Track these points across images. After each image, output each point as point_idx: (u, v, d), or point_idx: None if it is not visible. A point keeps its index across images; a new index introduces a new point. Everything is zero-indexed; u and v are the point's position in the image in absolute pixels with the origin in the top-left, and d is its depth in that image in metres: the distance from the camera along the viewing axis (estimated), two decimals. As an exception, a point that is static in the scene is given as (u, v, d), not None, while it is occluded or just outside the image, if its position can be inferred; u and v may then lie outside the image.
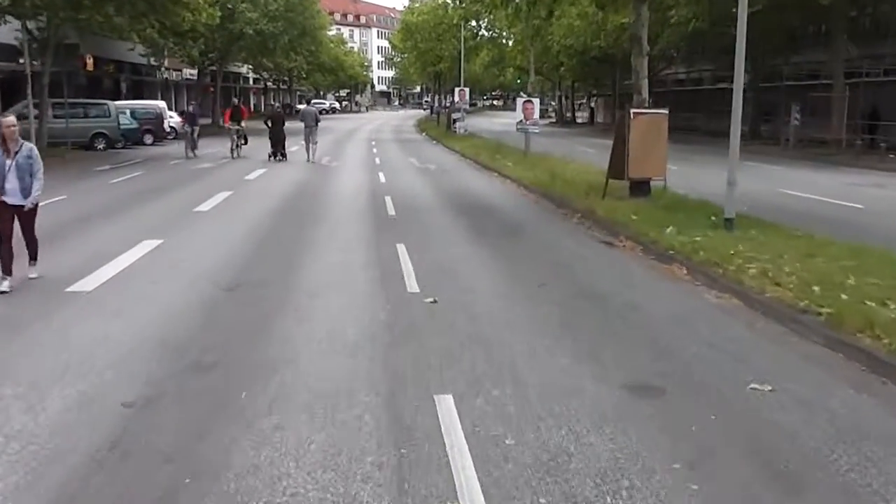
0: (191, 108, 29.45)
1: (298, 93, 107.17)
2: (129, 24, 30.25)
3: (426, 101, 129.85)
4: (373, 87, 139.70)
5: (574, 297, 7.94)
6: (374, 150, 31.78)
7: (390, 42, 52.31)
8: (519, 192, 17.73)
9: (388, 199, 15.62)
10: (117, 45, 43.93)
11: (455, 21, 38.63)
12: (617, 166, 14.30)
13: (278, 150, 25.71)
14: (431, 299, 7.57)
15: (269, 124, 26.85)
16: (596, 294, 8.16)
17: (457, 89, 39.87)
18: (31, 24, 26.36)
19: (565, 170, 19.39)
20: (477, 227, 12.48)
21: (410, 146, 36.47)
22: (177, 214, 13.22)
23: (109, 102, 30.64)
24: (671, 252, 9.79)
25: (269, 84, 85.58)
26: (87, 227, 11.71)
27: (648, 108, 14.76)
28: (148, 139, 34.44)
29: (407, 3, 46.84)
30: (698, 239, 10.00)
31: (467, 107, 41.35)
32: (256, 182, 19.12)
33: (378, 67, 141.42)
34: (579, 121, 73.47)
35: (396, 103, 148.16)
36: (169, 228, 11.70)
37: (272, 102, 79.04)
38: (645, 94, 14.92)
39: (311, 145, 25.43)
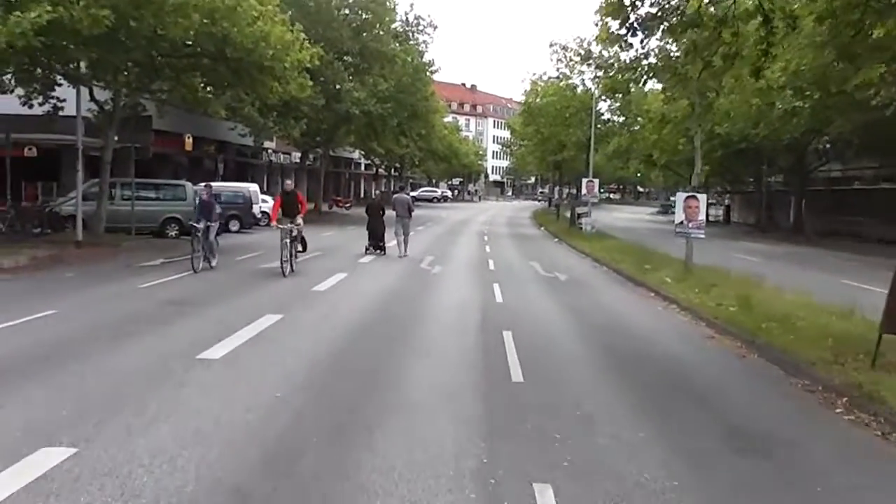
0: (203, 194, 18.11)
1: (411, 180, 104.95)
2: (215, 98, 26.64)
3: (541, 193, 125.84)
4: (486, 176, 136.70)
5: None
6: (487, 249, 26.60)
7: (509, 126, 47.83)
8: (703, 333, 11.87)
9: (507, 337, 10.17)
10: (219, 125, 41.24)
11: (599, 94, 33.52)
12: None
13: (376, 243, 22.66)
14: None
15: (368, 213, 23.45)
16: None
17: (584, 180, 34.55)
18: (100, 95, 22.90)
19: (760, 297, 13.43)
20: (666, 420, 6.86)
21: (529, 244, 31.18)
22: (159, 370, 8.13)
23: (186, 183, 26.86)
24: None
25: (380, 170, 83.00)
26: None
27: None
28: (234, 225, 30.63)
29: (528, 88, 41.62)
30: None
31: (595, 200, 35.89)
32: (323, 299, 13.98)
33: (492, 157, 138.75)
34: (711, 219, 66.57)
35: (510, 193, 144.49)
36: (135, 399, 6.58)
37: (380, 189, 75.94)
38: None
39: (402, 237, 22.49)
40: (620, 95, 34.85)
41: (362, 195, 78.36)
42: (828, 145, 42.73)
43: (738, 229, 50.96)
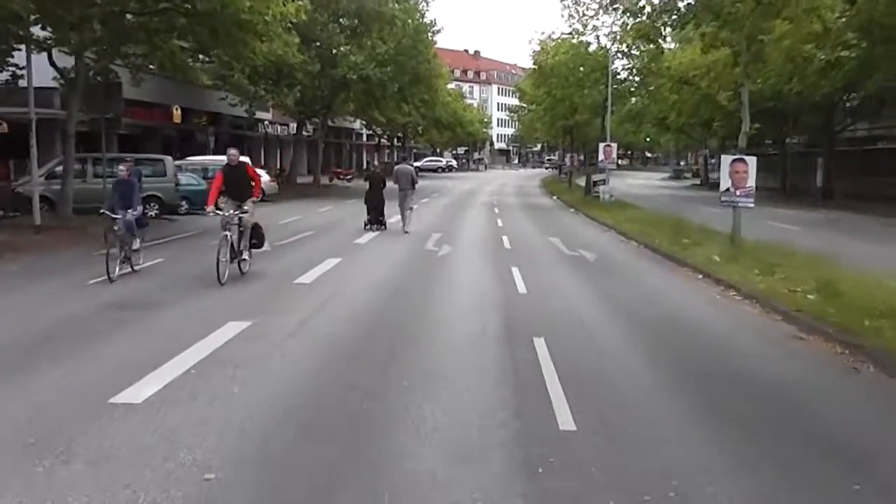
0: (123, 171, 13.06)
1: (414, 150, 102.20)
2: (194, 62, 24.07)
3: (548, 160, 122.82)
4: (492, 144, 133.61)
5: None
6: (500, 223, 24.06)
7: (518, 89, 44.87)
8: (784, 332, 9.34)
9: (541, 350, 7.72)
10: (210, 96, 38.62)
11: (621, 46, 30.74)
12: None
13: (375, 218, 20.89)
14: None
15: (368, 185, 21.57)
16: None
17: (601, 145, 31.88)
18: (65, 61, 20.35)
19: (843, 280, 10.88)
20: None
21: (544, 216, 28.64)
22: (52, 423, 5.72)
23: (166, 158, 24.33)
24: None
25: (382, 140, 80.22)
26: None
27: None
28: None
29: (537, 48, 38.61)
30: None
31: (613, 166, 33.25)
32: (304, 297, 11.50)
33: (497, 125, 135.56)
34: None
35: (515, 162, 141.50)
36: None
37: (382, 160, 73.21)
38: None
39: (406, 212, 20.68)
40: (639, 51, 32.26)
41: (364, 167, 75.64)
42: (856, 103, 39.90)
43: (759, 195, 48.19)
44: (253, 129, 51.62)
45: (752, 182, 15.70)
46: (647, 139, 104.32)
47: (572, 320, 9.68)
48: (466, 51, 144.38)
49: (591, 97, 36.00)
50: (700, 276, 13.51)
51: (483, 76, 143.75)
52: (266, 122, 53.50)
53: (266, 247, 13.76)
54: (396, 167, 23.71)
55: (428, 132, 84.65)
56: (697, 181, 67.60)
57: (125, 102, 33.42)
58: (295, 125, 54.96)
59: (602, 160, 31.53)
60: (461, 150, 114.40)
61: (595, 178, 33.70)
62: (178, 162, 29.77)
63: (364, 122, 71.55)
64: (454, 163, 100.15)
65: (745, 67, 15.44)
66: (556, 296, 11.54)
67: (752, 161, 15.73)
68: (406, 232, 19.77)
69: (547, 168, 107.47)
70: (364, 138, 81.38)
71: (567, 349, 7.90)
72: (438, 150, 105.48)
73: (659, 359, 7.83)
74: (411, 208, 20.99)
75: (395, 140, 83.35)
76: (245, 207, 12.39)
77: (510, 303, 10.79)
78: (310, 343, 8.03)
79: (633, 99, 38.18)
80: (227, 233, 11.81)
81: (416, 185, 21.77)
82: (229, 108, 39.68)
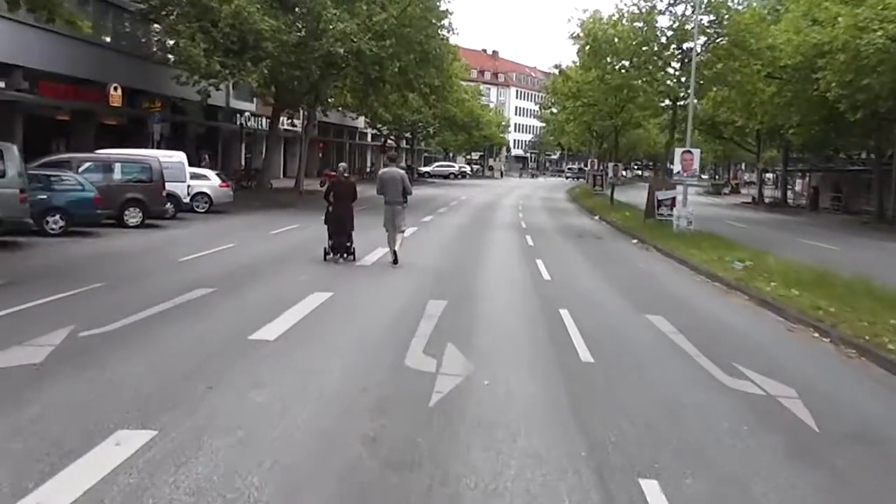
0: None
1: (425, 153, 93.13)
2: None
3: (568, 169, 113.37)
4: (508, 150, 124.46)
5: None
6: (541, 267, 14.90)
7: (559, 72, 35.77)
8: None
9: None
10: (164, 75, 29.82)
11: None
12: None
13: (341, 244, 14.39)
14: None
15: (330, 200, 14.51)
16: None
17: (678, 151, 22.71)
18: None
19: None
20: None
21: (601, 251, 19.56)
22: None
23: (9, 147, 15.20)
24: None
25: (389, 141, 71.27)
26: None
27: None
28: (133, 214, 19.44)
29: (583, 16, 28.91)
30: None
31: (695, 181, 24.26)
32: None
33: (515, 130, 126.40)
34: (767, 200, 54.22)
35: (533, 168, 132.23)
36: None
37: (368, 164, 64.02)
38: None
39: (396, 235, 14.34)
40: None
41: (368, 170, 66.62)
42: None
43: (834, 220, 38.88)
44: (230, 121, 42.85)
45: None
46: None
47: None
48: (484, 50, 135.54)
49: (656, 87, 26.76)
50: None
51: (501, 78, 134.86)
52: (247, 115, 44.62)
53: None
54: (382, 172, 15.74)
55: (440, 133, 75.76)
56: (748, 199, 58.21)
57: (33, 73, 24.76)
58: (281, 118, 46.33)
59: (679, 172, 22.36)
60: (476, 156, 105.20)
61: (660, 195, 24.61)
62: (70, 155, 21.00)
63: (368, 120, 62.76)
64: (468, 168, 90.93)
65: None
66: None
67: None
68: (395, 264, 13.86)
69: (568, 178, 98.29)
70: (368, 138, 72.45)
71: None
72: (451, 154, 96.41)
73: None
74: (403, 231, 14.50)
75: (404, 141, 74.49)
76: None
77: None
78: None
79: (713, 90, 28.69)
80: None
81: (410, 196, 14.69)
82: (198, 96, 30.91)
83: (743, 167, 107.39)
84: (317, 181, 43.69)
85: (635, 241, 22.30)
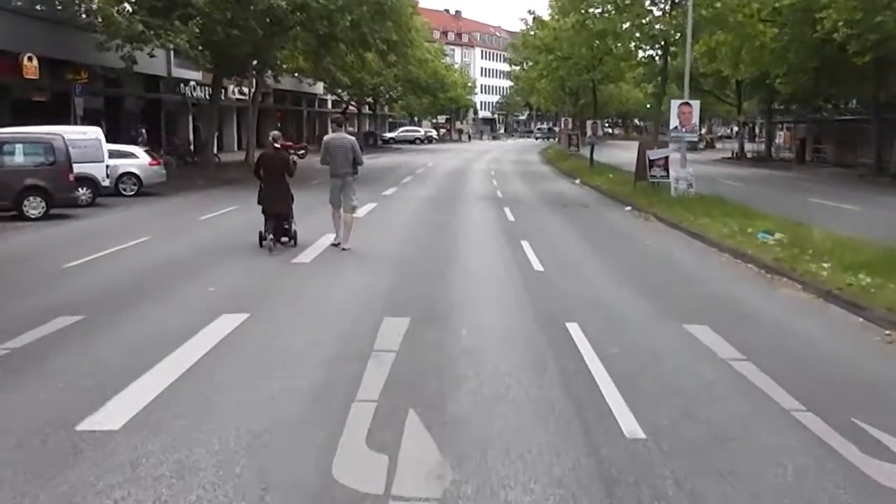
0: None
1: (390, 119, 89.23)
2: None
3: (538, 129, 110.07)
4: (475, 113, 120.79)
5: None
6: (529, 253, 11.88)
7: (536, 19, 32.62)
8: None
9: None
10: (87, 42, 26.10)
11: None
12: None
13: (278, 228, 12.12)
14: None
15: (261, 175, 12.29)
16: None
17: (674, 104, 19.63)
18: None
19: None
20: None
21: (596, 225, 16.52)
22: None
23: None
24: None
25: (349, 107, 67.50)
26: None
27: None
28: (34, 204, 16.16)
29: None
30: None
31: (694, 138, 21.37)
32: None
33: (481, 91, 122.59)
34: (749, 155, 51.61)
35: (501, 131, 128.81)
36: None
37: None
38: None
39: (344, 215, 12.15)
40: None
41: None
42: None
43: (831, 173, 36.24)
44: (174, 92, 39.03)
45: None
46: (648, 106, 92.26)
47: None
48: (447, 10, 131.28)
49: (647, 31, 23.61)
50: None
51: (465, 38, 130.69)
52: (192, 84, 40.74)
53: None
54: (327, 138, 12.69)
55: (404, 97, 72.08)
56: (727, 154, 55.49)
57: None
58: (229, 87, 42.61)
59: (677, 127, 19.31)
60: (442, 119, 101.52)
61: (652, 154, 21.63)
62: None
63: (326, 86, 58.91)
64: (434, 133, 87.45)
65: None
66: None
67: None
68: (344, 249, 11.91)
69: (538, 139, 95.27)
70: (329, 105, 68.56)
71: None
72: (417, 119, 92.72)
73: None
74: (354, 206, 12.31)
75: (367, 106, 70.74)
76: None
77: None
78: None
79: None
80: None
81: (361, 167, 12.55)
82: (141, 66, 27.20)
83: (716, 121, 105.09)
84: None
85: (629, 208, 19.38)
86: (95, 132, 19.88)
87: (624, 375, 5.94)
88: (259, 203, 12.18)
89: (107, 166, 19.57)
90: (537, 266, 10.77)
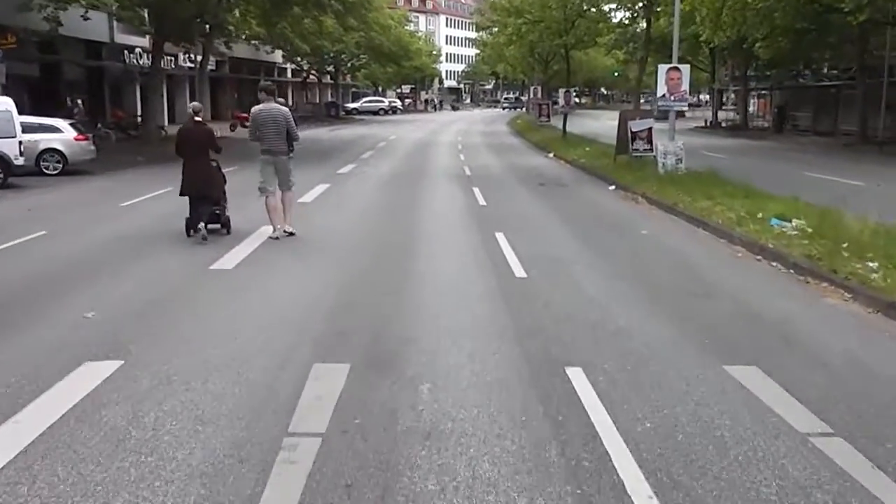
0: None
1: (353, 89, 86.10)
2: None
3: (505, 99, 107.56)
4: (441, 82, 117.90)
5: None
6: (507, 251, 9.74)
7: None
8: None
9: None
10: (13, 2, 23.30)
11: None
12: None
13: (206, 213, 10.24)
14: None
15: (182, 154, 10.59)
16: None
17: (662, 69, 17.49)
18: None
19: None
20: None
21: (586, 210, 14.39)
22: None
23: None
24: None
25: (310, 76, 64.63)
26: None
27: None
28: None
29: None
30: None
31: (685, 107, 19.39)
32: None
33: (447, 60, 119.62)
34: (723, 124, 49.91)
35: (467, 101, 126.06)
36: None
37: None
38: None
39: (279, 197, 10.52)
40: None
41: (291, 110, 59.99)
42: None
43: (812, 142, 34.58)
44: (118, 59, 36.07)
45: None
46: (616, 73, 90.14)
47: None
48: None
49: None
50: None
51: (430, 5, 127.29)
52: (138, 51, 37.73)
53: None
54: (255, 110, 10.63)
55: (367, 66, 69.25)
56: (699, 123, 53.69)
57: None
58: (178, 54, 39.73)
59: (665, 95, 17.19)
60: (407, 89, 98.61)
61: (634, 126, 19.58)
62: None
63: (285, 54, 55.93)
64: (399, 103, 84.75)
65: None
66: None
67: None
68: (291, 234, 10.45)
69: (504, 108, 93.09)
70: (288, 74, 65.54)
71: None
72: (381, 89, 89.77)
73: None
74: (290, 186, 10.80)
75: (328, 76, 67.84)
76: None
77: None
78: None
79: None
80: None
81: (297, 143, 11.04)
82: (73, 28, 24.46)
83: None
84: (227, 125, 37.56)
85: (613, 187, 17.34)
86: (5, 103, 17.28)
87: (667, 474, 3.86)
88: (182, 187, 10.39)
89: (20, 142, 17.07)
90: (519, 271, 8.62)
